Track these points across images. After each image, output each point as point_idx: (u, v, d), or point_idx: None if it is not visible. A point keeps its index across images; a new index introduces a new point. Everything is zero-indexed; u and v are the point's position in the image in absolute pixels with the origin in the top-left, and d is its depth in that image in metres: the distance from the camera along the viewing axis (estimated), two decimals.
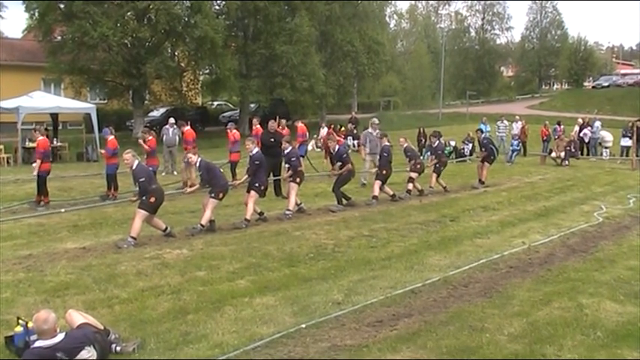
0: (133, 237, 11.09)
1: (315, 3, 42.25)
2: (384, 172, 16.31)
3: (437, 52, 77.49)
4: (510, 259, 10.51)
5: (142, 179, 11.39)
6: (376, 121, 20.96)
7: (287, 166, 14.70)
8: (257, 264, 9.98)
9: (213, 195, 12.37)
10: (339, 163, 15.80)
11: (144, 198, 11.38)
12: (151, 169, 13.44)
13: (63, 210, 14.04)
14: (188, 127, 20.61)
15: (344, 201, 15.39)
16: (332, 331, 7.14)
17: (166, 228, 11.77)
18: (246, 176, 13.62)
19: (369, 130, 20.05)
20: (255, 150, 13.63)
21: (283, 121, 17.63)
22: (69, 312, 6.56)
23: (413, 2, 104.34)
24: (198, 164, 12.59)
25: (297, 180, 14.38)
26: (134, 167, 11.51)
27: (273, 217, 13.92)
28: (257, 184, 13.30)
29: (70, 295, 8.27)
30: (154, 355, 6.44)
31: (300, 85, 39.92)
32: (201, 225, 12.27)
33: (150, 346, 6.61)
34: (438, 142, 18.67)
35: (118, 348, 6.40)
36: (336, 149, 15.97)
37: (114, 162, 16.50)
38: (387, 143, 16.69)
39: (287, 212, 13.98)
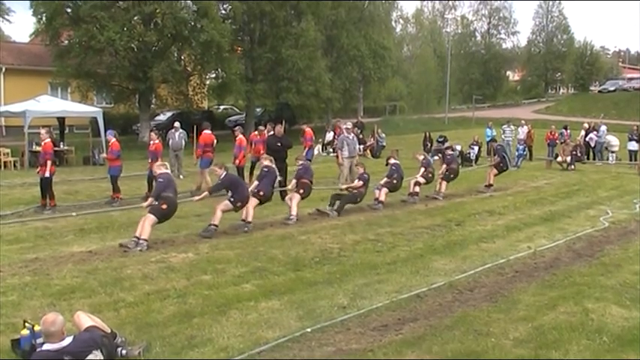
0: (144, 239, 11.13)
1: (321, 7, 42.23)
2: (395, 182, 16.47)
3: (443, 57, 77.36)
4: (516, 264, 10.51)
5: (161, 180, 11.48)
6: (349, 125, 21.68)
7: (294, 181, 14.84)
8: (262, 268, 10.00)
9: (232, 200, 12.47)
10: (361, 183, 15.74)
11: (156, 203, 11.41)
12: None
13: (74, 214, 14.09)
14: (209, 132, 20.02)
15: (330, 211, 15.20)
16: (337, 336, 7.15)
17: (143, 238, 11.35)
18: (256, 182, 13.79)
19: (345, 134, 20.21)
20: (268, 163, 14.02)
21: (275, 126, 17.69)
22: (77, 314, 6.56)
23: (419, 7, 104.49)
24: (221, 178, 12.67)
25: (301, 191, 14.47)
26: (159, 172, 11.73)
27: (277, 222, 13.96)
28: (257, 190, 13.43)
29: (76, 299, 8.30)
30: (159, 359, 6.46)
31: (305, 89, 39.94)
32: (215, 225, 12.33)
33: (155, 350, 6.64)
34: (452, 151, 18.99)
35: (124, 351, 6.41)
36: (362, 172, 15.99)
37: (117, 164, 16.56)
38: (395, 161, 16.80)
39: (291, 217, 14.00)
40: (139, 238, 11.16)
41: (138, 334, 7.02)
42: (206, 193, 13.06)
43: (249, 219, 13.05)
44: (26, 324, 6.61)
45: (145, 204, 11.91)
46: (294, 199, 14.30)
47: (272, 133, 18.67)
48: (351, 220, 14.41)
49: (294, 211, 14.10)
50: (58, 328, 5.73)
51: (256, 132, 19.67)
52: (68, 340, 5.79)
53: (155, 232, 11.83)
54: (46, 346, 5.78)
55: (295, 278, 9.46)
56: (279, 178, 15.22)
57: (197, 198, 13.34)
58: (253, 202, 13.21)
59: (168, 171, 12.30)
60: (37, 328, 6.35)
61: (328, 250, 11.32)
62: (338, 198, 15.43)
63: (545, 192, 19.50)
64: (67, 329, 5.96)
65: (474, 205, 16.75)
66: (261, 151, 18.83)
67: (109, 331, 6.48)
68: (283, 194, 16.32)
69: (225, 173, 12.72)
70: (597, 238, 12.78)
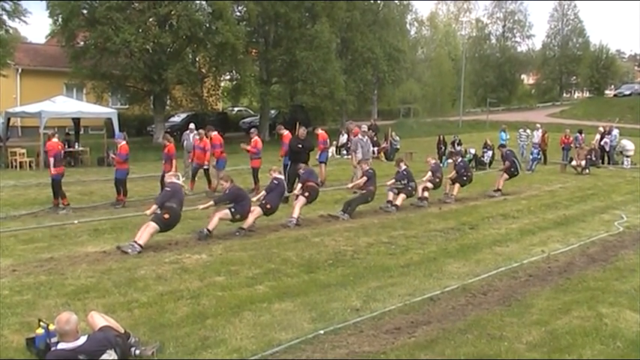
0: (139, 244, 11.03)
1: (336, 10, 42.24)
2: (410, 188, 16.54)
3: (457, 60, 77.24)
4: (530, 268, 10.47)
5: (168, 189, 11.49)
6: (365, 127, 22.03)
7: (300, 185, 14.89)
8: (276, 270, 10.02)
9: (232, 211, 12.49)
10: (365, 179, 15.82)
11: (159, 212, 11.42)
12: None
13: (76, 222, 14.08)
14: (215, 133, 20.23)
15: (342, 214, 15.16)
16: (350, 338, 7.16)
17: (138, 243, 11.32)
18: (264, 193, 13.77)
19: (359, 136, 20.21)
20: (278, 175, 13.99)
21: (285, 128, 17.79)
22: (91, 314, 6.61)
23: (433, 9, 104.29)
24: (228, 191, 12.68)
25: (306, 194, 14.45)
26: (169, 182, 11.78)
27: (279, 225, 13.91)
28: (264, 202, 13.40)
29: (90, 299, 8.35)
30: (172, 359, 6.48)
31: (320, 91, 39.90)
32: (209, 230, 12.31)
33: (169, 350, 6.67)
34: (460, 159, 18.98)
35: (138, 351, 6.44)
36: (366, 169, 16.13)
37: (124, 167, 16.58)
38: (404, 167, 16.81)
39: (291, 219, 13.96)
40: (136, 242, 11.10)
41: (151, 335, 7.06)
42: (211, 202, 12.99)
43: (245, 226, 12.94)
44: (41, 323, 6.66)
45: (149, 212, 11.87)
46: (298, 202, 14.31)
47: (283, 133, 18.82)
48: (365, 222, 14.41)
49: (295, 214, 14.07)
50: (73, 327, 5.77)
51: (197, 136, 19.68)
52: (83, 339, 5.83)
53: (169, 233, 11.89)
54: (61, 345, 5.82)
55: (308, 280, 9.48)
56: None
57: (202, 206, 13.11)
58: (257, 212, 13.16)
59: (179, 182, 12.31)
60: (51, 327, 6.38)
61: (342, 252, 11.32)
62: (350, 204, 15.41)
63: (559, 196, 19.40)
64: (81, 329, 6.00)
65: (487, 208, 16.70)
66: (203, 157, 19.11)
67: (123, 331, 6.51)
68: (286, 199, 16.08)
69: (231, 186, 12.76)
70: (612, 242, 12.72)
